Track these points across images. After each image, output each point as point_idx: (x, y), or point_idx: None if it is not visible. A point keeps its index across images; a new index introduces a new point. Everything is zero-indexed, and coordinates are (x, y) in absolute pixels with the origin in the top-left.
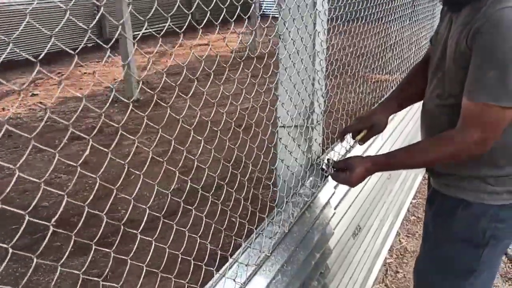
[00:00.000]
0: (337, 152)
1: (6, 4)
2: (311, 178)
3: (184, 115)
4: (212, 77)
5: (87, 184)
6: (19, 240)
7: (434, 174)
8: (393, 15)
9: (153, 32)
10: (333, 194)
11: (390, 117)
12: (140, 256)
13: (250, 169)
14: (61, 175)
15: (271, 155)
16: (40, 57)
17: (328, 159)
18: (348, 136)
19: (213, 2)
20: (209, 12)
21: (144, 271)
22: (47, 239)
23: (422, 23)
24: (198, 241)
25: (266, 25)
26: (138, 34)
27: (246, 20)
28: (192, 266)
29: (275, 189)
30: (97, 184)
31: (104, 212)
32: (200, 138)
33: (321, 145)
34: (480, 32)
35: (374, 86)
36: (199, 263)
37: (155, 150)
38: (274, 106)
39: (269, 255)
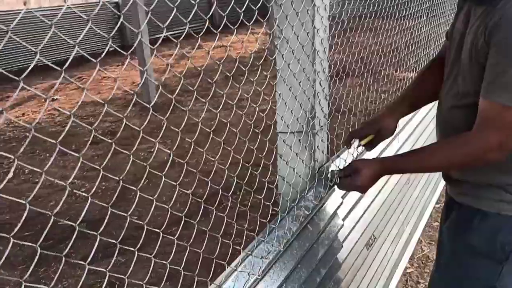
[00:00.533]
0: (343, 159)
1: (29, 11)
2: (315, 189)
3: (202, 117)
4: (230, 79)
5: (100, 189)
6: (28, 247)
7: (449, 180)
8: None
9: (169, 37)
10: (340, 205)
11: (409, 116)
12: (143, 266)
13: (270, 171)
14: (75, 180)
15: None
16: (66, 65)
17: (332, 170)
18: (356, 142)
19: (230, 5)
20: (227, 14)
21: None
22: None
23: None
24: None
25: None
26: (157, 37)
27: (265, 22)
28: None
29: (274, 208)
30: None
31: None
32: (219, 140)
33: (325, 152)
34: (497, 28)
35: (399, 85)
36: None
37: (169, 154)
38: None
39: (259, 277)
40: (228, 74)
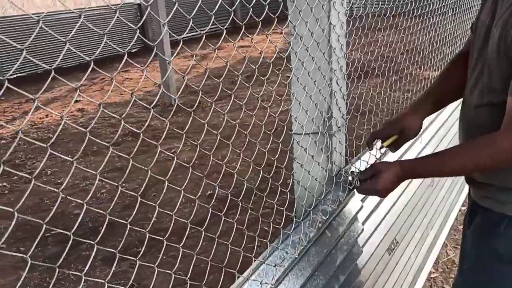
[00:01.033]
0: (365, 161)
1: (54, 13)
2: (333, 193)
3: (223, 118)
4: (253, 78)
5: (121, 191)
6: (47, 249)
7: (473, 183)
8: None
9: (180, 42)
10: (360, 209)
11: (433, 116)
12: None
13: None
14: (95, 182)
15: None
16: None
17: (352, 171)
18: (379, 143)
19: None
20: (250, 13)
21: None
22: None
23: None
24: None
25: None
26: (179, 38)
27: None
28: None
29: (289, 214)
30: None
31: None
32: (246, 139)
33: (343, 154)
34: None
35: (423, 83)
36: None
37: (189, 155)
38: None
39: (273, 286)
40: (250, 73)
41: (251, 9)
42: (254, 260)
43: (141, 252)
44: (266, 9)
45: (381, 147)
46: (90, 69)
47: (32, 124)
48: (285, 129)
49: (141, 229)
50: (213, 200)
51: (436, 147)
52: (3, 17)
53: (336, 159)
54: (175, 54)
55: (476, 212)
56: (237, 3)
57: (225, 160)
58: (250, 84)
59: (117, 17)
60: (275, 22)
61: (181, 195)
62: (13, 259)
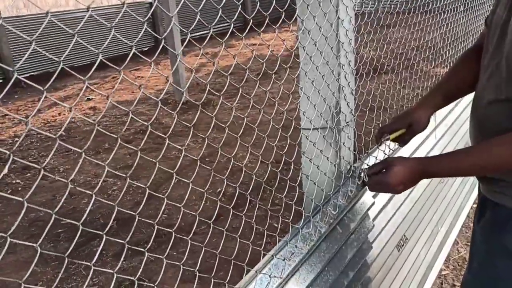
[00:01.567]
0: (374, 156)
1: (65, 13)
2: (343, 188)
3: (234, 115)
4: (257, 76)
5: (132, 188)
6: (60, 244)
7: (483, 178)
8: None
9: (190, 40)
10: (372, 205)
11: (446, 111)
12: (173, 265)
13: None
14: (107, 178)
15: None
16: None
17: (362, 168)
18: (391, 139)
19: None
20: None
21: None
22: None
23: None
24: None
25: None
26: (190, 37)
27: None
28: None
29: (298, 208)
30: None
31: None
32: (256, 136)
33: (352, 149)
34: None
35: (433, 79)
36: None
37: (199, 152)
38: None
39: (284, 281)
40: (264, 71)
41: (258, 3)
42: (264, 255)
43: (149, 246)
44: (274, 3)
45: (387, 139)
46: (98, 61)
47: (45, 122)
48: (293, 124)
49: (151, 222)
50: (221, 196)
51: (449, 142)
52: (16, 17)
53: (345, 154)
54: (181, 48)
55: (486, 207)
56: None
57: (235, 157)
58: (259, 81)
59: (128, 14)
60: (283, 17)
61: (191, 191)
62: (26, 255)
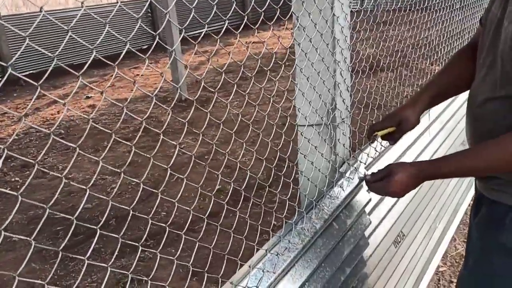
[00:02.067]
0: (366, 153)
1: (64, 11)
2: (339, 185)
3: (233, 113)
4: (251, 75)
5: (131, 186)
6: (59, 242)
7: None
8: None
9: (188, 38)
10: (369, 202)
11: (441, 108)
12: (178, 259)
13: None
14: (106, 176)
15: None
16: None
17: (364, 174)
18: (379, 136)
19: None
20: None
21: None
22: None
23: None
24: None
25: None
26: (188, 35)
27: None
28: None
29: (293, 204)
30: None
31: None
32: (255, 133)
33: (346, 146)
34: None
35: (429, 76)
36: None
37: (199, 150)
38: None
39: (279, 276)
40: (263, 68)
41: (253, 1)
42: (258, 250)
43: (144, 243)
44: (269, 0)
45: (375, 136)
46: (91, 57)
47: (44, 121)
48: (287, 121)
49: (148, 219)
50: (217, 193)
51: (444, 140)
52: (15, 15)
53: (340, 151)
54: (176, 44)
55: (482, 203)
56: None
57: (233, 154)
58: (257, 78)
59: (126, 12)
60: (277, 13)
61: (190, 189)
62: (26, 251)
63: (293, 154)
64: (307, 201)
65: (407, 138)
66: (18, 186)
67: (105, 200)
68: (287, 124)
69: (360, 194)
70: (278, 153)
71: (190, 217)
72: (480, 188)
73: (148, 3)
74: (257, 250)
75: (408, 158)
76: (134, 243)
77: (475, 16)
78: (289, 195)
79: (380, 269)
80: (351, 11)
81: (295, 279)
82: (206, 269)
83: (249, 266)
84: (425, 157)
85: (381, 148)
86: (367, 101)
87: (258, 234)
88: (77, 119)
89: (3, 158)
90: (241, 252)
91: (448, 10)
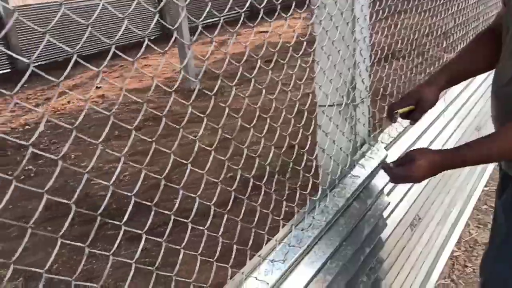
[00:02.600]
0: (387, 134)
1: (74, 2)
2: (359, 165)
3: (241, 102)
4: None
5: (144, 173)
6: (74, 229)
7: None
8: None
9: (204, 32)
10: (388, 182)
11: (459, 89)
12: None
13: (306, 157)
14: (117, 165)
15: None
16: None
17: (385, 162)
18: (399, 114)
19: None
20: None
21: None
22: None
23: None
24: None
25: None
26: (197, 25)
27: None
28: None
29: (316, 181)
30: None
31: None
32: (266, 122)
33: (366, 126)
34: None
35: (441, 62)
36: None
37: (210, 139)
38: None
39: (300, 249)
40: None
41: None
42: (283, 225)
43: (146, 227)
44: None
45: (395, 113)
46: (112, 51)
47: (55, 111)
48: (296, 106)
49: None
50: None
51: (459, 124)
52: (24, 6)
53: (360, 131)
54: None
55: (508, 183)
56: None
57: (245, 142)
58: (268, 68)
59: (137, 2)
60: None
61: (203, 177)
62: (43, 237)
63: (306, 143)
64: (329, 180)
65: (424, 120)
66: (32, 175)
67: (120, 187)
68: (295, 110)
69: (379, 175)
70: (295, 143)
71: (196, 205)
72: (505, 168)
73: None
74: (283, 225)
75: (425, 141)
76: (181, 218)
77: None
78: (312, 173)
79: (397, 251)
80: None
81: (318, 256)
82: (224, 253)
83: (276, 240)
84: (440, 140)
85: (401, 128)
86: (385, 81)
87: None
88: (88, 109)
89: (28, 153)
90: (266, 229)
91: None
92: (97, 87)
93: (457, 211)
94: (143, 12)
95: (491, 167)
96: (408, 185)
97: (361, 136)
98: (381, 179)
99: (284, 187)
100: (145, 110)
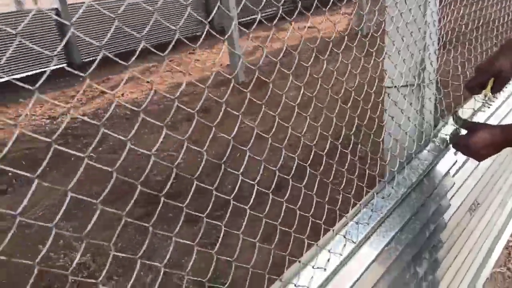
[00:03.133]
0: (472, 108)
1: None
2: (427, 148)
3: (289, 95)
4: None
5: (196, 162)
6: (135, 210)
7: None
8: None
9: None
10: (454, 163)
11: None
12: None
13: (359, 146)
14: (173, 153)
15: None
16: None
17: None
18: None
19: None
20: None
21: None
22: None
23: None
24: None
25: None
26: (243, 21)
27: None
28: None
29: (383, 163)
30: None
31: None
32: (315, 114)
33: (433, 112)
34: None
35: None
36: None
37: (258, 129)
38: (382, 83)
39: (380, 215)
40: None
41: None
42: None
43: (208, 210)
44: None
45: (486, 95)
46: (172, 42)
47: (110, 103)
48: (350, 101)
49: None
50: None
51: None
52: (81, 3)
53: (426, 115)
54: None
55: None
56: None
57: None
58: (311, 63)
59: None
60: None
61: (253, 164)
62: (107, 217)
63: (359, 134)
64: (398, 162)
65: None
66: (94, 161)
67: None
68: (360, 104)
69: (447, 155)
70: (348, 133)
71: (255, 191)
72: None
73: None
74: (354, 204)
75: (495, 119)
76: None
77: None
78: (379, 153)
79: (457, 232)
80: None
81: (392, 225)
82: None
83: (346, 217)
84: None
85: (481, 103)
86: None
87: (353, 188)
88: (140, 101)
89: (100, 134)
90: (352, 192)
91: None
92: (147, 81)
93: None
94: (190, 9)
95: None
96: (471, 168)
97: (427, 121)
98: (448, 161)
99: (354, 166)
100: (196, 102)
